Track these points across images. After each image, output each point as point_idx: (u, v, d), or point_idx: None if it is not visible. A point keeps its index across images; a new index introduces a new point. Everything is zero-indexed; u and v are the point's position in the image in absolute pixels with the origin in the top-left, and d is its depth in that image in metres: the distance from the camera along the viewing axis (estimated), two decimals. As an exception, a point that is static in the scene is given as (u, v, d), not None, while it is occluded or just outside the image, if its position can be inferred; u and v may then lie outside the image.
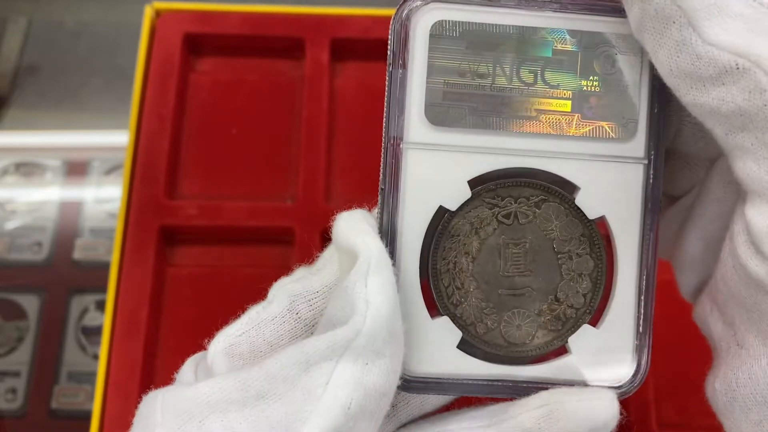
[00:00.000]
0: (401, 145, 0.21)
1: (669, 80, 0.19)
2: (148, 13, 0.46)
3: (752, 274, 0.19)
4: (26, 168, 0.55)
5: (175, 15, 0.46)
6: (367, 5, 0.47)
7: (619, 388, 0.22)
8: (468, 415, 0.22)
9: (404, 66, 0.21)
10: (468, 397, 0.23)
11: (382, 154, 0.21)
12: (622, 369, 0.22)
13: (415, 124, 0.21)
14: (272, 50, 0.47)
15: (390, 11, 0.46)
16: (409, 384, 0.22)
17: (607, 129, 0.22)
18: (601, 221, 0.22)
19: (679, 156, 0.23)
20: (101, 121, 0.57)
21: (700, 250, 0.23)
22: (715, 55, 0.17)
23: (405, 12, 0.21)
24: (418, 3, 0.21)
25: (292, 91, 0.46)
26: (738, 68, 0.17)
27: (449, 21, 0.21)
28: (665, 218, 0.24)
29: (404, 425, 0.23)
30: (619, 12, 0.21)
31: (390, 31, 0.21)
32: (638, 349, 0.22)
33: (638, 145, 0.22)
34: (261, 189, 0.44)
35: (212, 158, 0.45)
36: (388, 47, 0.21)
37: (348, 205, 0.22)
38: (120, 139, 0.54)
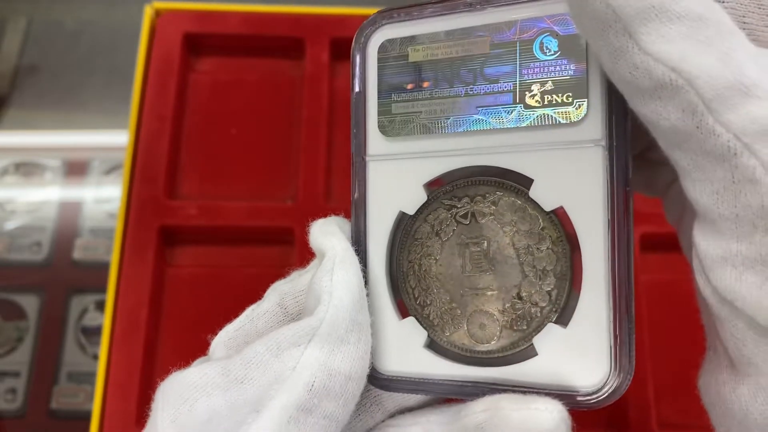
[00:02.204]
0: (364, 158, 0.23)
1: (614, 83, 0.18)
2: (148, 13, 0.46)
3: (700, 290, 0.18)
4: (26, 168, 0.55)
5: (175, 15, 0.46)
6: (367, 5, 0.47)
7: (593, 393, 0.20)
8: (437, 411, 0.22)
9: (360, 88, 0.23)
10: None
11: (351, 169, 0.23)
12: (596, 372, 0.20)
13: (372, 139, 0.23)
14: (272, 50, 0.47)
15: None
16: (382, 382, 0.22)
17: (554, 115, 0.20)
18: (561, 212, 0.21)
19: None
20: (101, 121, 0.57)
21: None
22: (651, 67, 0.16)
23: (361, 38, 0.23)
24: (371, 27, 0.23)
25: (292, 91, 0.46)
26: (672, 84, 0.16)
27: (393, 39, 0.23)
28: (671, 195, 0.23)
29: (392, 415, 0.24)
30: None
31: (351, 58, 0.23)
32: (615, 351, 0.20)
33: (593, 127, 0.20)
34: (261, 189, 0.44)
35: (212, 158, 0.45)
36: (350, 73, 0.23)
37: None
38: (120, 139, 0.54)
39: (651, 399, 0.39)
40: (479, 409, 0.20)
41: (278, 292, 0.22)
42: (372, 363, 0.22)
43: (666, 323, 0.35)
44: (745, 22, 0.18)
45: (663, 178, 0.23)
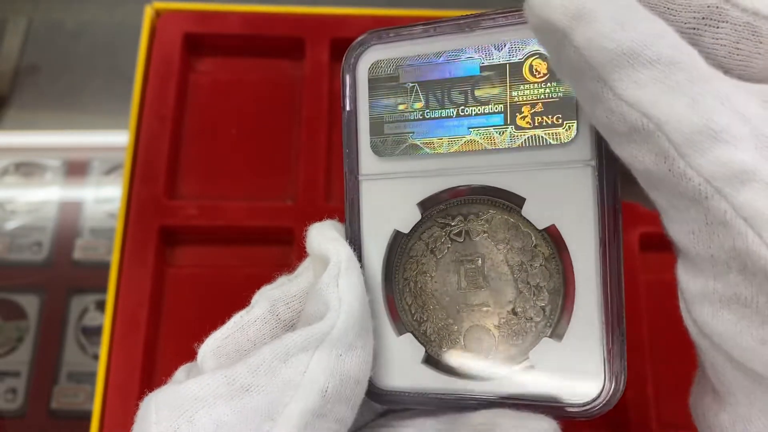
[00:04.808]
0: (357, 178, 0.23)
1: (595, 126, 0.18)
2: (148, 13, 0.46)
3: (684, 321, 0.19)
4: (26, 168, 0.55)
5: (175, 15, 0.46)
6: (367, 5, 0.47)
7: (587, 404, 0.20)
8: (430, 418, 0.23)
9: (351, 108, 0.23)
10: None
11: (344, 188, 0.23)
12: (591, 384, 0.20)
13: (365, 158, 0.23)
14: (272, 50, 0.47)
15: (390, 11, 0.46)
16: (380, 397, 0.23)
17: (544, 135, 0.21)
18: (553, 230, 0.21)
19: None
20: (101, 121, 0.57)
21: None
22: (625, 112, 0.16)
23: (350, 58, 0.23)
24: (361, 48, 0.23)
25: (292, 91, 0.46)
26: (644, 129, 0.16)
27: (384, 60, 0.23)
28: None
29: (382, 415, 0.24)
30: None
31: (341, 78, 0.23)
32: (610, 362, 0.20)
33: (582, 147, 0.21)
34: (261, 189, 0.44)
35: (212, 158, 0.45)
36: (341, 93, 0.23)
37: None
38: (120, 139, 0.54)
39: (651, 399, 0.39)
40: (477, 421, 0.21)
41: (268, 298, 0.22)
42: (371, 378, 0.22)
43: (666, 323, 0.35)
44: (738, 48, 0.18)
45: None
